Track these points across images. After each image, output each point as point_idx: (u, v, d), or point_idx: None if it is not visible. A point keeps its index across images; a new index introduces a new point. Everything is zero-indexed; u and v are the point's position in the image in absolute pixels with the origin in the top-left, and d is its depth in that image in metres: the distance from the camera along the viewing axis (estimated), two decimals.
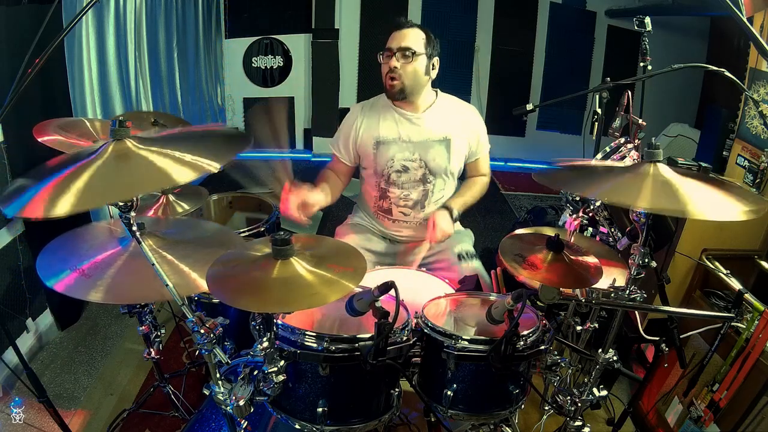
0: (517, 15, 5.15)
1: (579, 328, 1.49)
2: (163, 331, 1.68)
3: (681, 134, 3.78)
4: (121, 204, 0.90)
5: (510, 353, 1.15)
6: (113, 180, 0.86)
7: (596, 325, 1.45)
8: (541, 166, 1.28)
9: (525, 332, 1.22)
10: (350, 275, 1.02)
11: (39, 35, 1.23)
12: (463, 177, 2.08)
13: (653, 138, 1.08)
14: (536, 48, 5.25)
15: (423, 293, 1.49)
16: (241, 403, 1.03)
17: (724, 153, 2.67)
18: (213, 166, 0.88)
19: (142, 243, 0.94)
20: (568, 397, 1.35)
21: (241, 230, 1.90)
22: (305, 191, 1.74)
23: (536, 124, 5.47)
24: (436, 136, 1.91)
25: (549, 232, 1.45)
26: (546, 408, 1.71)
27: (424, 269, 1.81)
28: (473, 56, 5.25)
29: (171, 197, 1.78)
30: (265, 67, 5.22)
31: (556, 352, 1.33)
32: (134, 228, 0.93)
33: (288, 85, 5.30)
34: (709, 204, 0.95)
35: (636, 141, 1.67)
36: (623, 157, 1.59)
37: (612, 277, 1.33)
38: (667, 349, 1.40)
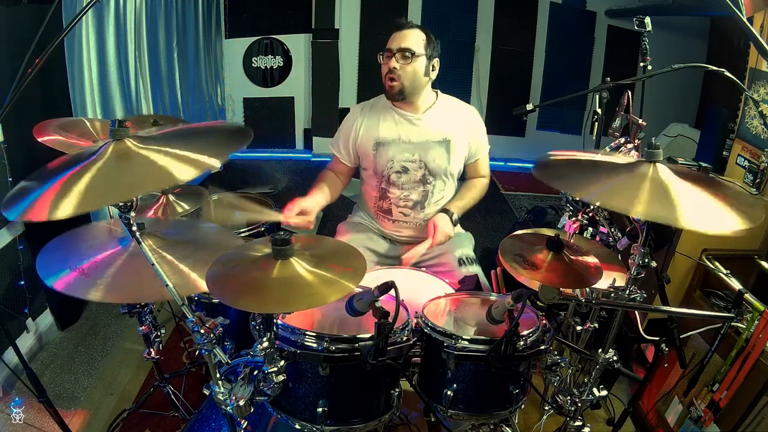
0: (517, 15, 5.14)
1: (579, 328, 1.48)
2: (163, 331, 1.68)
3: (681, 134, 3.78)
4: (121, 204, 0.90)
5: (510, 353, 1.15)
6: (114, 180, 0.86)
7: (596, 325, 1.45)
8: None
9: (525, 332, 1.22)
10: (350, 275, 1.02)
11: (39, 35, 1.23)
12: (464, 177, 2.08)
13: (653, 138, 1.08)
14: (536, 48, 5.24)
15: (423, 293, 1.49)
16: (241, 403, 1.03)
17: (724, 153, 2.66)
18: (214, 163, 0.88)
19: (142, 243, 0.94)
20: (568, 397, 1.35)
21: (241, 230, 1.90)
22: (299, 199, 1.80)
23: (536, 124, 5.46)
24: (436, 137, 1.91)
25: (548, 233, 1.45)
26: (546, 408, 1.70)
27: (425, 269, 1.81)
28: (473, 56, 5.24)
29: (171, 197, 1.78)
30: (265, 67, 5.22)
31: (556, 352, 1.33)
32: (134, 228, 0.93)
33: (288, 85, 5.30)
34: (705, 215, 0.92)
35: (636, 141, 1.67)
36: None
37: (612, 278, 1.34)
38: (667, 349, 1.40)
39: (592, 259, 1.27)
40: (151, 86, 3.61)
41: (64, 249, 1.08)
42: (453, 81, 5.18)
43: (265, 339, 1.06)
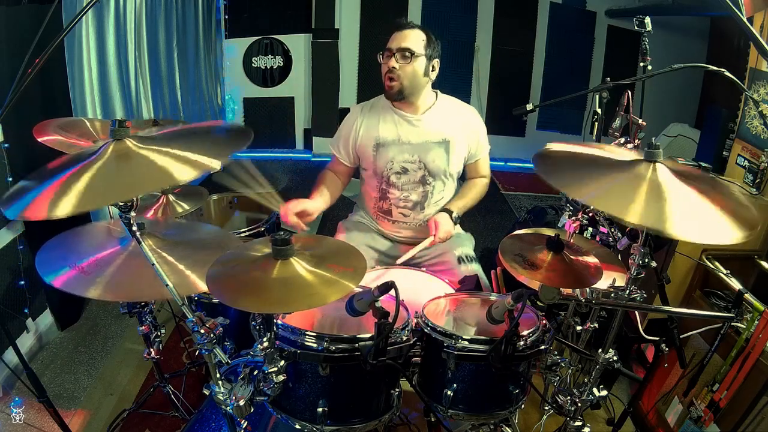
0: (517, 15, 5.15)
1: (579, 328, 1.48)
2: (163, 331, 1.68)
3: (681, 134, 3.78)
4: (121, 204, 0.90)
5: (510, 353, 1.15)
6: (114, 180, 0.86)
7: (596, 325, 1.45)
8: None
9: (525, 332, 1.22)
10: (350, 275, 1.02)
11: (39, 35, 1.23)
12: (464, 177, 2.08)
13: (653, 138, 1.08)
14: (536, 48, 5.25)
15: (423, 293, 1.49)
16: (241, 403, 1.03)
17: (724, 153, 2.66)
18: (214, 164, 0.88)
19: (142, 243, 0.94)
20: (568, 397, 1.35)
21: (241, 230, 1.90)
22: (304, 200, 1.78)
23: (536, 124, 5.47)
24: (436, 137, 1.91)
25: (548, 233, 1.45)
26: (546, 408, 1.70)
27: (425, 269, 1.81)
28: (473, 56, 5.25)
29: (171, 197, 1.78)
30: (265, 67, 5.22)
31: (556, 352, 1.33)
32: (134, 228, 0.93)
33: (288, 85, 5.30)
34: (700, 224, 0.90)
35: (636, 141, 1.68)
36: None
37: (612, 278, 1.34)
38: (667, 349, 1.40)
39: (592, 259, 1.27)
40: (151, 86, 3.62)
41: (63, 247, 1.09)
42: (453, 81, 5.18)
43: (265, 339, 1.06)
